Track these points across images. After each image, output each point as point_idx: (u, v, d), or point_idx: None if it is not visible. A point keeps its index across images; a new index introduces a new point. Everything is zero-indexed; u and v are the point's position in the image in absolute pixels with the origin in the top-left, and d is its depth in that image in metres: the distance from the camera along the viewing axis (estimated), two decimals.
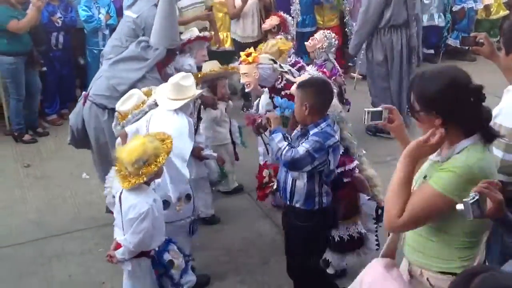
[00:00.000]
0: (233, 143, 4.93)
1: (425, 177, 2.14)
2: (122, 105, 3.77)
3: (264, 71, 4.12)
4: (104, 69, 4.35)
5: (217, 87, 4.75)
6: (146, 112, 3.70)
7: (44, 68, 6.44)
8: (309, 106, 3.12)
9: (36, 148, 6.16)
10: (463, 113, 2.04)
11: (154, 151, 3.00)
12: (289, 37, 5.76)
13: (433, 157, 2.17)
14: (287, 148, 3.09)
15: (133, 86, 4.03)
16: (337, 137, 3.22)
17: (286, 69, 4.19)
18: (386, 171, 5.25)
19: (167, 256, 3.23)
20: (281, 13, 6.06)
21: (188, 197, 3.61)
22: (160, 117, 3.53)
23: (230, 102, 5.00)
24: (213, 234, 4.54)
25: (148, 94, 3.85)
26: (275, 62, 4.18)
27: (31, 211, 4.93)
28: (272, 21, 5.84)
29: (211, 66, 4.74)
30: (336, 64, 5.51)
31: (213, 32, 6.88)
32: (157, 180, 3.27)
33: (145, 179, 3.02)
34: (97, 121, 4.23)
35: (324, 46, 5.24)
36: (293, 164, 3.09)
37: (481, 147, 2.07)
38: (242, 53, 4.26)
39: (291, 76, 4.38)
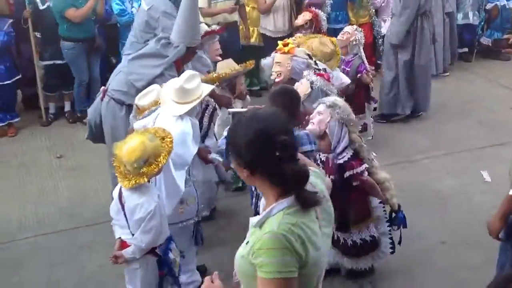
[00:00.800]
0: None
1: (247, 242, 1.88)
2: (140, 100, 3.73)
3: (298, 64, 4.07)
4: (123, 65, 4.36)
5: (235, 84, 4.67)
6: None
7: None
8: None
9: (69, 139, 6.27)
10: (268, 168, 1.82)
11: (154, 150, 2.90)
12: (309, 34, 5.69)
13: (252, 220, 1.93)
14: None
15: (151, 82, 3.99)
16: None
17: (321, 67, 4.14)
18: (405, 172, 5.26)
19: (171, 255, 3.16)
20: (313, 8, 6.03)
21: (192, 199, 3.52)
22: (164, 121, 3.38)
23: (248, 97, 4.93)
24: (241, 231, 4.52)
25: None
26: (311, 58, 4.14)
27: (63, 202, 5.04)
28: (305, 16, 5.82)
29: (226, 65, 4.66)
30: (365, 60, 5.45)
31: (242, 26, 6.90)
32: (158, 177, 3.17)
33: (146, 179, 2.92)
34: (114, 117, 4.23)
35: (358, 39, 5.18)
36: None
37: (297, 209, 1.82)
38: (280, 42, 4.24)
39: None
